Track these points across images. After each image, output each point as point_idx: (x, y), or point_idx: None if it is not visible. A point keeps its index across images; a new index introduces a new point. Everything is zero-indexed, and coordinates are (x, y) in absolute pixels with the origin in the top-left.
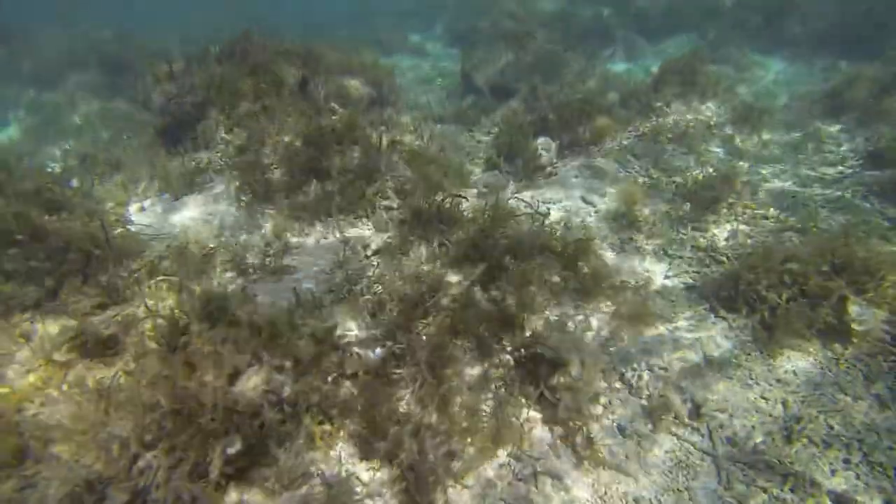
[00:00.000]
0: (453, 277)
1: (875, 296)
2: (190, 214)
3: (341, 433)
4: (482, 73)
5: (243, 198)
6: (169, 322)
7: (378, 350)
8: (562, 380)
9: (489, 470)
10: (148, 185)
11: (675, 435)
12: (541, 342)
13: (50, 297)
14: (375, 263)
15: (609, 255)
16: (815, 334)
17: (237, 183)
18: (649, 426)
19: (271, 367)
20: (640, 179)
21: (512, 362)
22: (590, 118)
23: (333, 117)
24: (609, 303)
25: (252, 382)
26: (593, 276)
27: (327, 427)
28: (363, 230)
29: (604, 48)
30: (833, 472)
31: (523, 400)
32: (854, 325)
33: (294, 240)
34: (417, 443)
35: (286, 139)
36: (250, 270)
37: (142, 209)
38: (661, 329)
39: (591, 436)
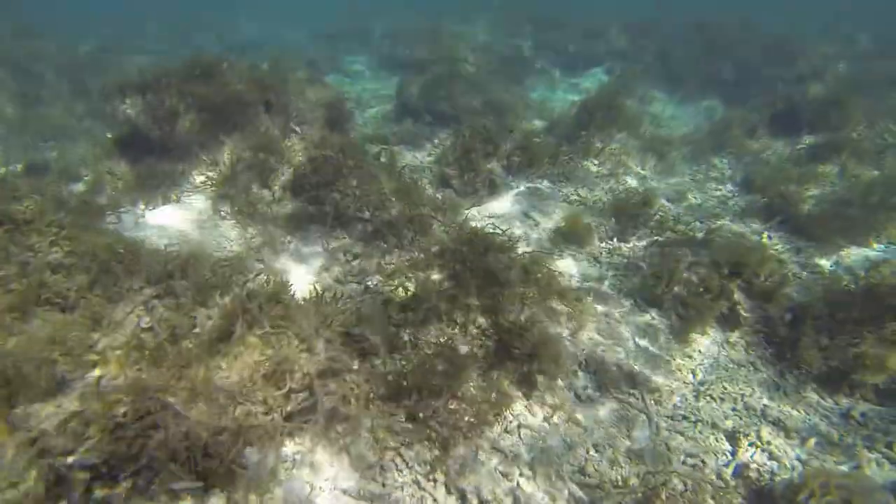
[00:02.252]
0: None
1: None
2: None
3: None
4: (418, 96)
5: (223, 210)
6: None
7: None
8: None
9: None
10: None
11: (617, 398)
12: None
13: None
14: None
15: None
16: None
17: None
18: (598, 394)
19: None
20: (572, 198)
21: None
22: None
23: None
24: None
25: None
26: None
27: None
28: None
29: (525, 77)
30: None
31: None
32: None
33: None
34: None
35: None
36: None
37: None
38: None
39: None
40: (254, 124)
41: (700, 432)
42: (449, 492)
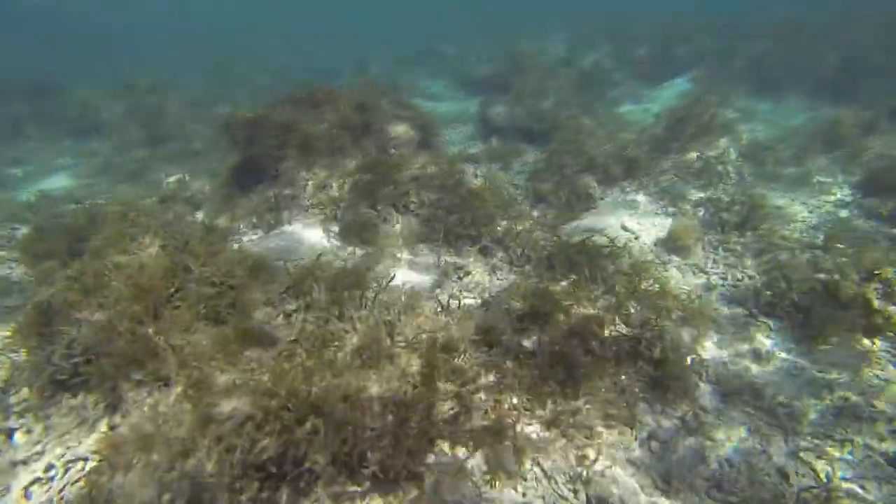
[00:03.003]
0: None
1: None
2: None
3: None
4: (502, 115)
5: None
6: None
7: None
8: None
9: None
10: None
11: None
12: None
13: None
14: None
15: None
16: None
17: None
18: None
19: None
20: (671, 210)
21: None
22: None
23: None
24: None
25: None
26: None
27: None
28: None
29: (607, 90)
30: None
31: None
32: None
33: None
34: None
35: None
36: None
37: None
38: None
39: None
40: (359, 147)
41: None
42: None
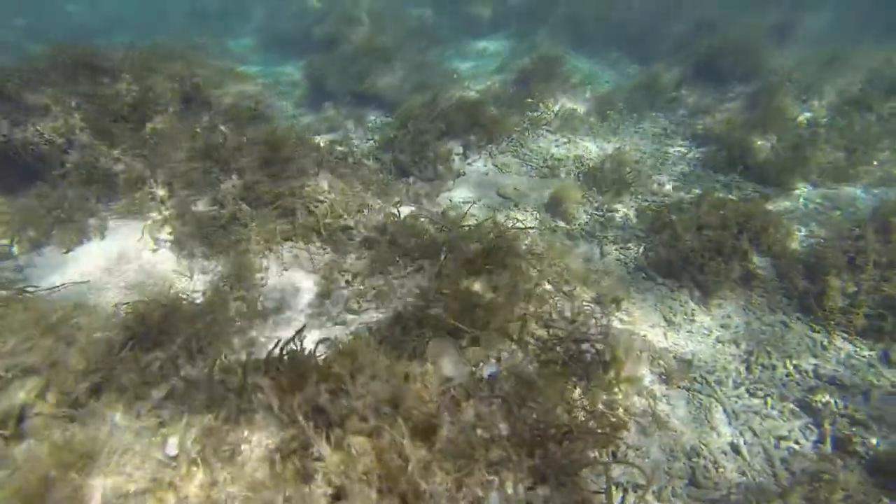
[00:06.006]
0: None
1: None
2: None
3: None
4: (332, 77)
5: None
6: None
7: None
8: None
9: None
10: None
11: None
12: None
13: None
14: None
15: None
16: None
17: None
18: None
19: None
20: (544, 170)
21: None
22: (484, 119)
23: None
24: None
25: None
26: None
27: None
28: None
29: (433, 46)
30: None
31: None
32: None
33: None
34: None
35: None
36: None
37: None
38: None
39: None
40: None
41: (773, 407)
42: None
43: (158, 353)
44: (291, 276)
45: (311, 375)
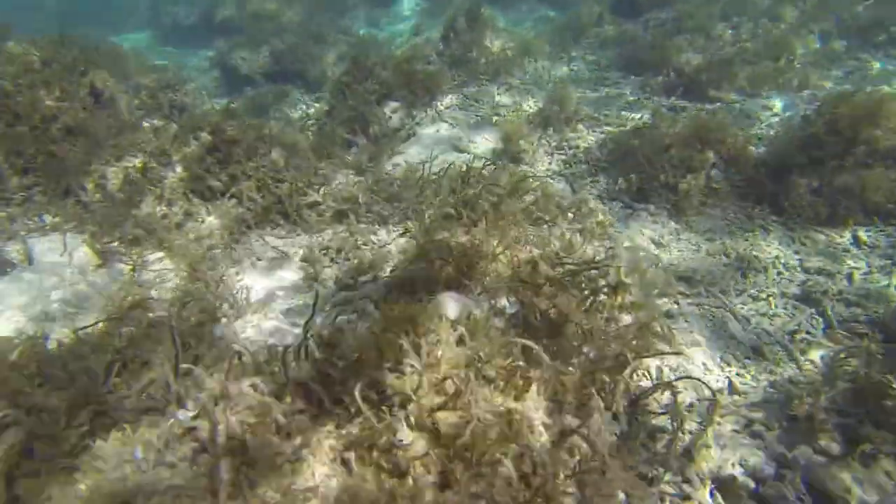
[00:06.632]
0: None
1: None
2: None
3: None
4: (249, 61)
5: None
6: None
7: None
8: None
9: None
10: None
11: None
12: None
13: None
14: None
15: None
16: None
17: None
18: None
19: None
20: (490, 115)
21: None
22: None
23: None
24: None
25: None
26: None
27: None
28: None
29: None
30: None
31: None
32: None
33: None
34: None
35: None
36: None
37: None
38: None
39: None
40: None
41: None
42: None
43: None
44: (268, 266)
45: (369, 352)
